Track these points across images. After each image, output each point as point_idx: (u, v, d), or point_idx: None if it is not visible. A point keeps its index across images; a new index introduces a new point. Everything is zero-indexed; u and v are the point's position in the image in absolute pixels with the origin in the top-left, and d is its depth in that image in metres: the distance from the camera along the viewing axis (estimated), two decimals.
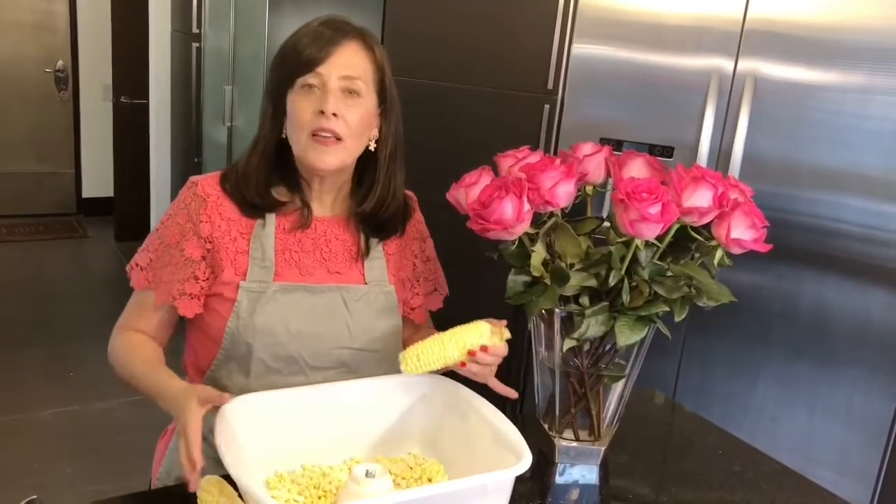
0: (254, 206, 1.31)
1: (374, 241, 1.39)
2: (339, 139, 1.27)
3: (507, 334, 1.22)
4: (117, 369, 1.31)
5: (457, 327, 1.21)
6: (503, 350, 1.22)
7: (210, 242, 1.30)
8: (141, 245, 1.37)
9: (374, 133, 1.35)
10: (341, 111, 1.25)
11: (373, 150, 1.35)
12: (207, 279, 1.30)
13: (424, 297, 1.48)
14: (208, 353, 1.33)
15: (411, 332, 1.46)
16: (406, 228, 1.44)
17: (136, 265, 1.34)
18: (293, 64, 1.26)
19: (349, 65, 1.26)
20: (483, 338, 1.20)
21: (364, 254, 1.38)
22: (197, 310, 1.30)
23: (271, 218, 1.33)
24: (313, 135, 1.26)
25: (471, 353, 1.19)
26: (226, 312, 1.29)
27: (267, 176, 1.32)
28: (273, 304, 1.29)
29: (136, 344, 1.31)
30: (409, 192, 1.47)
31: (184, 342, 1.41)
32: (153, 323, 1.33)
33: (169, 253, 1.31)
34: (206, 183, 1.33)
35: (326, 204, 1.38)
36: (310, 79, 1.25)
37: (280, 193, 1.34)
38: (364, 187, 1.38)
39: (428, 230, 1.51)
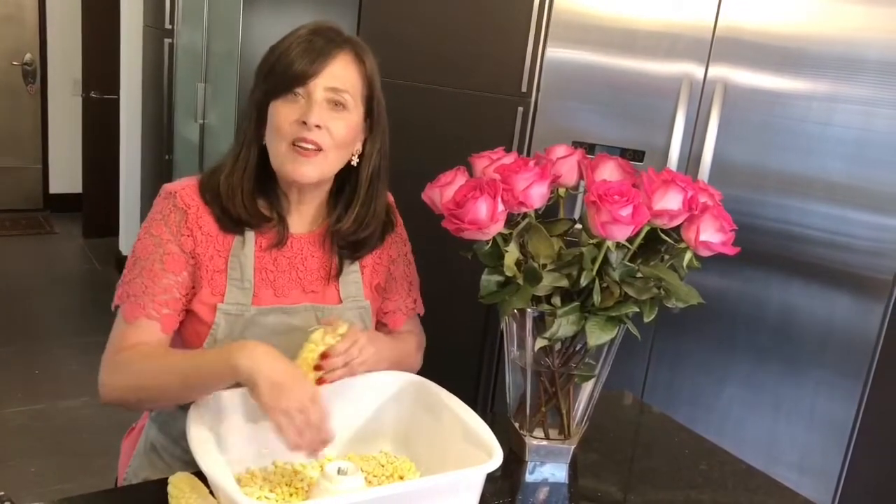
0: (237, 220, 1.26)
1: (347, 262, 1.35)
2: (319, 150, 1.22)
3: (342, 327, 1.18)
4: (128, 381, 1.19)
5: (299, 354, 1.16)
6: (345, 345, 1.17)
7: (193, 258, 1.25)
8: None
9: (358, 147, 1.30)
10: (325, 122, 1.22)
11: (354, 164, 1.31)
12: (187, 294, 1.26)
13: (402, 300, 1.45)
14: None
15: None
16: (385, 239, 1.41)
17: (127, 296, 1.24)
18: (283, 76, 1.22)
19: (337, 76, 1.23)
20: (317, 347, 1.16)
21: (337, 275, 1.35)
22: (176, 324, 1.26)
23: (250, 235, 1.28)
24: (293, 144, 1.22)
25: (318, 368, 1.15)
26: (203, 333, 1.25)
27: (252, 189, 1.27)
28: (252, 327, 1.26)
29: (153, 347, 1.21)
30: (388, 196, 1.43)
31: None
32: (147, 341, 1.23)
33: (148, 269, 1.23)
34: (185, 193, 1.26)
35: (305, 219, 1.34)
36: (296, 88, 1.22)
37: (261, 206, 1.29)
38: (342, 204, 1.33)
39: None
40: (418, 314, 1.50)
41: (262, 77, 1.26)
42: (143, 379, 1.19)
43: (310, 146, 1.22)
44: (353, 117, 1.26)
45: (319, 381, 1.16)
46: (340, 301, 1.34)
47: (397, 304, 1.45)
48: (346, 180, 1.33)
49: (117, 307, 1.26)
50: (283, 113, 1.22)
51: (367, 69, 1.27)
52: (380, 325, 1.44)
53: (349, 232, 1.33)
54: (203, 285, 1.25)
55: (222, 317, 1.25)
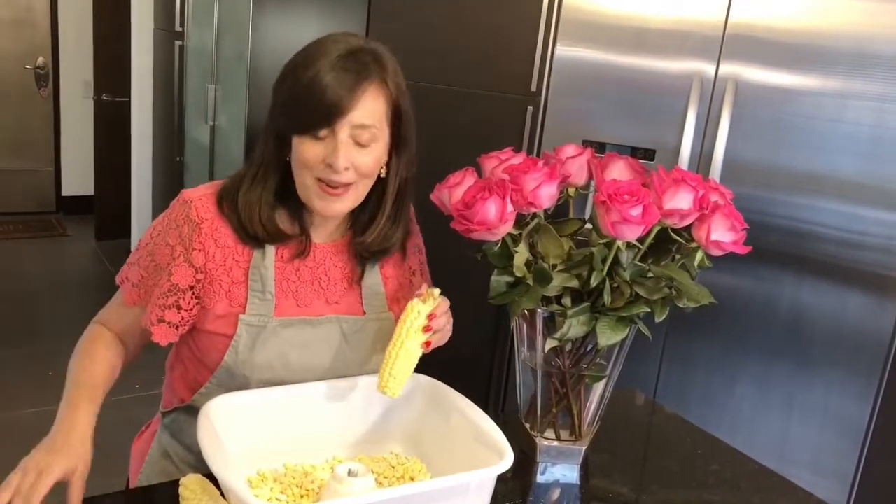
0: (255, 238, 1.22)
1: (369, 265, 1.32)
2: (349, 184, 1.19)
3: (436, 291, 1.22)
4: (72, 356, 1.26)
5: (397, 327, 1.20)
6: (445, 304, 1.22)
7: (202, 273, 1.22)
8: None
9: (384, 158, 1.24)
10: (352, 161, 1.16)
11: (382, 175, 1.25)
12: (191, 310, 1.23)
13: None
14: (199, 376, 1.29)
15: None
16: (406, 247, 1.38)
17: (128, 280, 1.27)
18: (308, 116, 1.15)
19: (365, 112, 1.16)
20: (423, 311, 1.19)
21: (359, 279, 1.31)
22: (172, 339, 1.23)
23: (270, 247, 1.24)
24: (320, 180, 1.17)
25: (427, 330, 1.19)
26: (223, 346, 1.23)
27: (272, 206, 1.22)
28: (273, 339, 1.23)
29: (98, 345, 1.25)
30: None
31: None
32: (134, 329, 1.28)
33: (158, 274, 1.24)
34: (201, 205, 1.23)
35: (329, 229, 1.30)
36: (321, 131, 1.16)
37: (281, 219, 1.25)
38: (367, 214, 1.28)
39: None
40: None
41: (282, 106, 1.18)
42: (73, 356, 1.24)
43: (336, 186, 1.18)
44: (380, 146, 1.20)
45: (427, 344, 1.21)
46: (364, 312, 1.31)
47: None
48: (372, 190, 1.26)
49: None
50: (308, 150, 1.16)
51: (392, 92, 1.20)
52: None
53: (374, 244, 1.29)
54: (218, 300, 1.22)
55: (244, 328, 1.22)
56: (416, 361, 1.20)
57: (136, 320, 1.27)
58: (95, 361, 1.22)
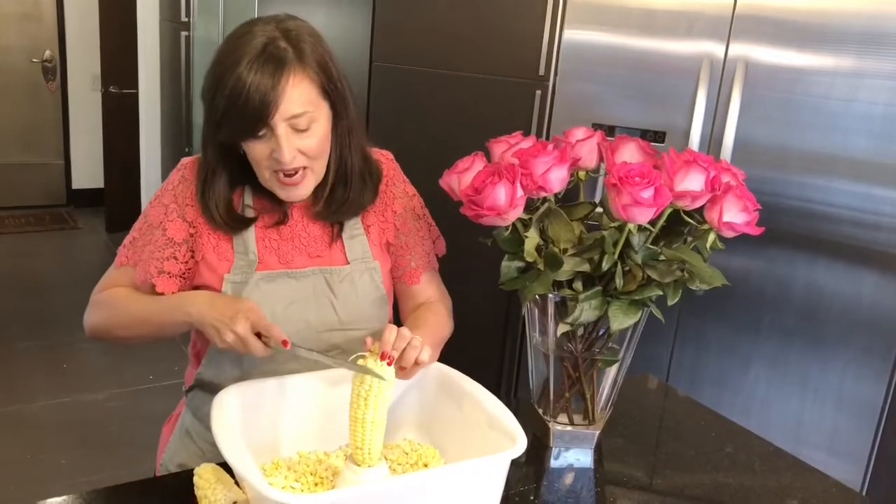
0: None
1: (347, 221, 1.34)
2: (304, 169, 1.22)
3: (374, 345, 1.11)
4: (104, 319, 1.30)
5: (351, 404, 1.08)
6: (390, 336, 1.11)
7: (194, 227, 1.29)
8: None
9: (329, 132, 1.26)
10: (297, 147, 1.19)
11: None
12: (187, 262, 1.29)
13: (415, 254, 1.41)
14: (205, 343, 1.33)
15: (409, 302, 1.42)
16: (379, 192, 1.38)
17: (122, 245, 1.34)
18: (238, 126, 1.17)
19: (293, 101, 1.17)
20: (377, 363, 1.08)
21: (338, 235, 1.34)
22: (174, 289, 1.28)
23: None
24: (275, 171, 1.21)
25: (390, 361, 1.09)
26: None
27: (227, 202, 1.27)
28: (256, 292, 1.27)
29: (130, 291, 1.31)
30: (383, 152, 1.43)
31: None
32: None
33: (152, 233, 1.30)
34: (193, 165, 1.31)
35: None
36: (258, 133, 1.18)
37: (252, 198, 1.30)
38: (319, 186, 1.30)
39: (414, 187, 1.45)
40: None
41: (217, 120, 1.20)
42: (115, 319, 1.29)
43: (292, 173, 1.22)
44: (321, 124, 1.22)
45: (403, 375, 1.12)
46: (347, 262, 1.34)
47: (409, 259, 1.41)
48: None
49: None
50: (255, 150, 1.20)
51: (315, 72, 1.20)
52: (399, 285, 1.42)
53: (331, 210, 1.32)
54: (206, 252, 1.29)
55: (229, 286, 1.28)
56: (385, 419, 1.10)
57: (126, 279, 1.33)
58: (136, 294, 1.30)
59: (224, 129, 1.20)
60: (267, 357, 1.19)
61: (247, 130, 1.18)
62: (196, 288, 1.30)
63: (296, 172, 1.22)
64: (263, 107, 1.15)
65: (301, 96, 1.18)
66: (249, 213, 1.30)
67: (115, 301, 1.30)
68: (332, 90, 1.23)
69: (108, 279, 1.35)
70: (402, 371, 1.14)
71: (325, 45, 1.24)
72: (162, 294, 1.28)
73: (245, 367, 1.29)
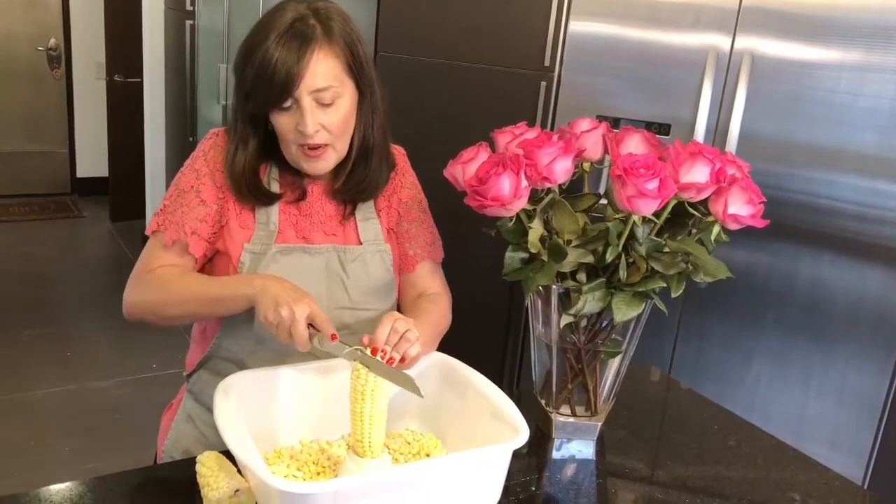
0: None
1: (361, 205, 1.39)
2: (326, 145, 1.27)
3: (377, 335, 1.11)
4: (153, 296, 1.29)
5: (351, 399, 1.07)
6: (384, 330, 1.11)
7: (223, 193, 1.32)
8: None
9: (354, 111, 1.30)
10: (321, 122, 1.24)
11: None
12: (214, 226, 1.32)
13: (414, 243, 1.43)
14: (214, 321, 1.34)
15: (409, 290, 1.44)
16: (390, 178, 1.42)
17: (165, 221, 1.33)
18: (266, 95, 1.22)
19: (318, 74, 1.21)
20: (366, 366, 1.07)
21: (350, 214, 1.38)
22: (204, 250, 1.31)
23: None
24: (300, 145, 1.26)
25: (387, 358, 1.09)
26: (231, 272, 1.31)
27: (255, 172, 1.32)
28: (273, 265, 1.31)
29: (182, 269, 1.31)
30: (398, 147, 1.47)
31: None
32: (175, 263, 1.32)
33: (183, 197, 1.32)
34: (226, 135, 1.35)
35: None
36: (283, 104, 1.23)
37: (275, 173, 1.35)
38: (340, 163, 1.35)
39: (423, 194, 1.48)
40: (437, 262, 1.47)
41: (246, 91, 1.26)
42: (165, 295, 1.29)
43: (316, 147, 1.26)
44: (346, 100, 1.26)
45: (390, 361, 1.09)
46: (360, 243, 1.37)
47: (408, 247, 1.43)
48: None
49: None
50: (281, 121, 1.25)
51: (341, 47, 1.24)
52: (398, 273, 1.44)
53: (348, 189, 1.36)
54: (230, 217, 1.32)
55: (247, 255, 1.30)
56: (385, 412, 1.09)
57: (174, 256, 1.32)
58: (191, 272, 1.32)
59: (252, 101, 1.26)
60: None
61: (273, 102, 1.23)
62: (217, 260, 1.34)
63: (318, 147, 1.26)
64: (289, 79, 1.20)
65: (326, 71, 1.22)
66: (274, 187, 1.34)
67: (168, 277, 1.29)
68: (357, 69, 1.27)
69: (153, 257, 1.32)
70: (400, 363, 1.13)
71: (353, 26, 1.28)
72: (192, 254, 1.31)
73: (256, 342, 1.31)
